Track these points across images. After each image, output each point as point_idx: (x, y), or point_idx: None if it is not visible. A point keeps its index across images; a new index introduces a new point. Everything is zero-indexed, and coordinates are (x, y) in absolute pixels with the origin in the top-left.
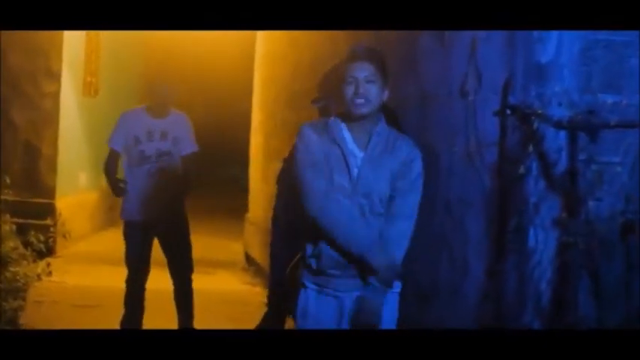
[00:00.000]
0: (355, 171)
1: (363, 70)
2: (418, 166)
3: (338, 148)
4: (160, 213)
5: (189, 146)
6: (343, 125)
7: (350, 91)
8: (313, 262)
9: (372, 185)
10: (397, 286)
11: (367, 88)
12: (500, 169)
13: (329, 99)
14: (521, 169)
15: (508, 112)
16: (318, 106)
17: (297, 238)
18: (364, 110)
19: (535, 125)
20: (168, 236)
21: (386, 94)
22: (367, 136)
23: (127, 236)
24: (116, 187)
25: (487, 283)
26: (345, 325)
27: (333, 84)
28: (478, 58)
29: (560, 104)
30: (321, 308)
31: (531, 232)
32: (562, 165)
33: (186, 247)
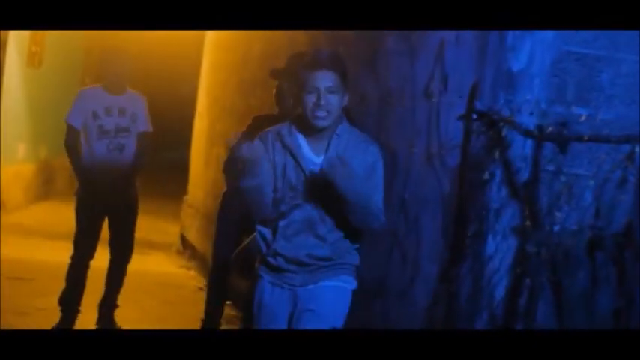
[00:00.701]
0: (310, 175)
1: (326, 80)
2: (381, 167)
3: (291, 157)
4: (114, 190)
5: (145, 125)
6: (299, 135)
7: (310, 101)
8: (271, 260)
9: (332, 185)
10: (351, 281)
11: (329, 99)
12: (461, 173)
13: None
14: (486, 175)
15: (474, 116)
16: (276, 79)
17: (244, 230)
18: (324, 123)
19: (503, 132)
20: (118, 213)
21: (346, 100)
22: (325, 141)
23: (80, 212)
24: (79, 171)
25: (439, 287)
26: (297, 315)
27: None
28: (445, 61)
29: (531, 113)
30: (275, 299)
31: (490, 238)
32: (527, 173)
33: (132, 227)
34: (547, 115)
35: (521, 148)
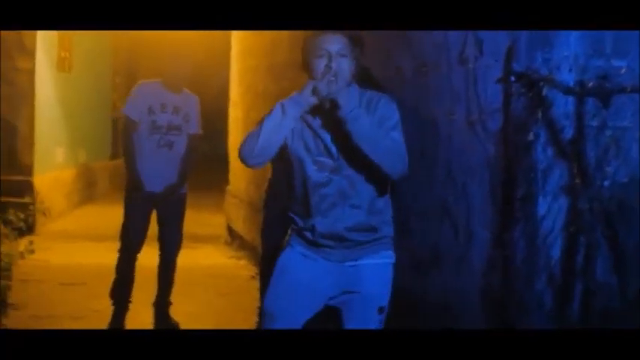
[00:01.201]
0: (333, 148)
1: (336, 43)
2: (396, 111)
3: (309, 128)
4: (165, 186)
5: (196, 127)
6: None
7: (320, 64)
8: (308, 234)
9: (356, 151)
10: (390, 256)
11: (339, 62)
12: (505, 136)
13: None
14: (530, 136)
15: (512, 78)
16: None
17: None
18: (336, 88)
19: (544, 91)
20: (167, 209)
21: (355, 67)
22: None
23: (129, 205)
24: (131, 164)
25: (493, 252)
26: (343, 297)
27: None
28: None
29: (570, 70)
30: (304, 271)
31: (540, 199)
32: (571, 131)
33: (181, 221)
34: (587, 69)
35: (563, 106)
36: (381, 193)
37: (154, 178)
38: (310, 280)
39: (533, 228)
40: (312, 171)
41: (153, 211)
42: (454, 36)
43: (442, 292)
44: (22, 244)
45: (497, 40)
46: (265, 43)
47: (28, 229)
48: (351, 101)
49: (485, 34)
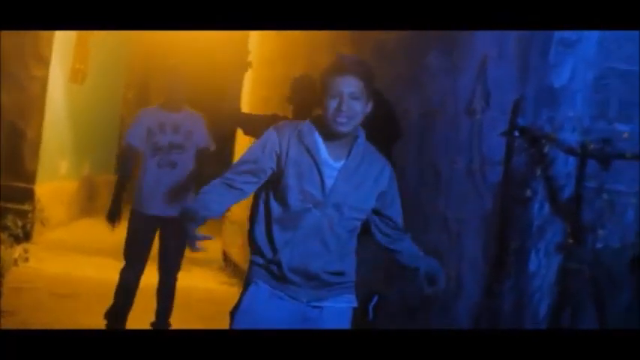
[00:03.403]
0: (330, 182)
1: (350, 86)
2: (395, 180)
3: (309, 158)
4: (167, 207)
5: (205, 141)
6: (317, 135)
7: (332, 105)
8: (274, 268)
9: (346, 196)
10: (352, 300)
11: (351, 105)
12: (503, 190)
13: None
14: (528, 192)
15: (516, 133)
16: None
17: None
18: (344, 129)
19: (546, 149)
20: (169, 231)
21: (369, 108)
22: (346, 147)
23: (132, 225)
24: (120, 188)
25: (482, 303)
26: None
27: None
28: (488, 77)
29: (573, 130)
30: (271, 310)
31: (533, 255)
32: (569, 190)
33: (183, 245)
34: (589, 131)
35: (563, 165)
36: (354, 239)
37: (157, 200)
38: (275, 321)
39: (523, 282)
40: (295, 199)
41: (156, 232)
42: (463, 85)
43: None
44: (17, 251)
45: (505, 93)
46: (277, 75)
47: (25, 236)
48: (357, 154)
49: (494, 87)
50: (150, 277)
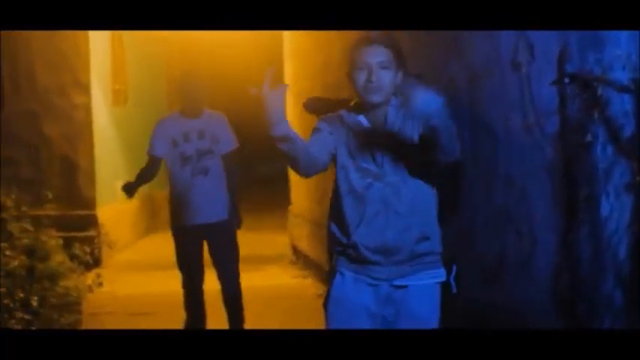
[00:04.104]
0: (379, 154)
1: (378, 55)
2: (444, 103)
3: (354, 136)
4: (207, 214)
5: (229, 144)
6: (358, 114)
7: (362, 77)
8: (351, 252)
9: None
10: (440, 275)
11: (381, 75)
12: (563, 138)
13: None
14: (588, 137)
15: (566, 80)
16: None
17: None
18: (377, 98)
19: (599, 91)
20: (216, 238)
21: (400, 78)
22: (382, 114)
23: (177, 243)
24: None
25: (559, 255)
26: (380, 313)
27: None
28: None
29: (623, 68)
30: (357, 295)
31: (604, 199)
32: (630, 129)
33: (233, 252)
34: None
35: (620, 104)
36: (428, 203)
37: (196, 209)
38: (364, 306)
39: (597, 228)
40: (355, 178)
41: (202, 240)
42: (505, 43)
43: (510, 298)
44: (90, 277)
45: (548, 43)
46: (318, 63)
47: (95, 262)
48: (397, 116)
49: (536, 38)
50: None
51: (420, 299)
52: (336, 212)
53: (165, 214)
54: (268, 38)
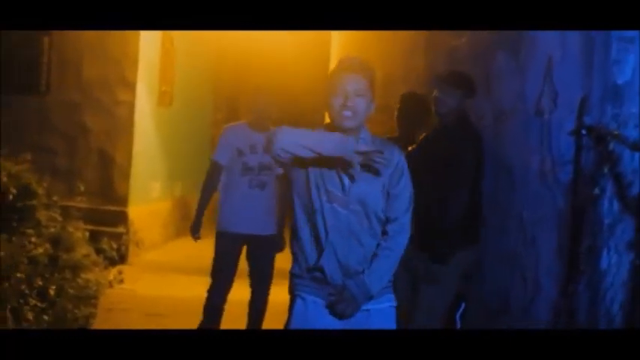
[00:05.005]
0: (347, 179)
1: (355, 83)
2: (407, 172)
3: (323, 159)
4: (255, 226)
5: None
6: None
7: (338, 102)
8: (317, 274)
9: (365, 192)
10: (392, 299)
11: (356, 102)
12: (574, 189)
13: None
14: (596, 190)
15: (584, 132)
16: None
17: None
18: (350, 124)
19: (611, 146)
20: (258, 248)
21: (372, 108)
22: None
23: (218, 246)
24: (203, 207)
25: (559, 303)
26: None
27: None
28: (554, 78)
29: (636, 126)
30: (320, 318)
31: (604, 253)
32: (637, 187)
33: (271, 268)
34: None
35: (629, 162)
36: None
37: (246, 218)
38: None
39: (596, 281)
40: (322, 201)
41: (242, 250)
42: (531, 86)
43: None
44: (112, 273)
45: (572, 91)
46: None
47: (120, 258)
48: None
49: (561, 86)
50: (237, 293)
51: (381, 322)
52: (299, 235)
53: None
54: (315, 39)
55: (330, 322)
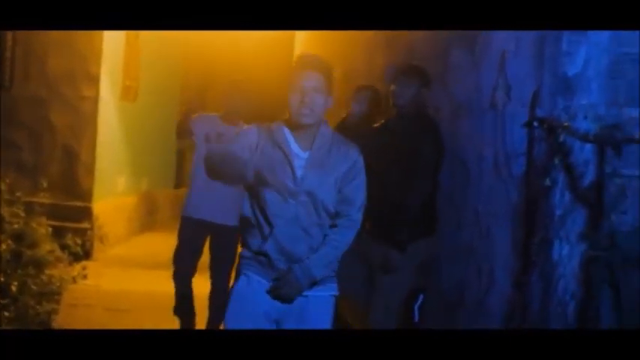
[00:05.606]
0: (299, 172)
1: (312, 80)
2: (362, 168)
3: (280, 151)
4: (218, 214)
5: None
6: (286, 130)
7: (296, 99)
8: (262, 259)
9: (316, 185)
10: (334, 289)
11: (313, 98)
12: (527, 181)
13: None
14: (547, 182)
15: (535, 124)
16: None
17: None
18: (308, 120)
19: (561, 138)
20: (219, 239)
21: (330, 103)
22: (310, 138)
23: (182, 232)
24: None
25: (513, 295)
26: (277, 318)
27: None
28: (507, 71)
29: (585, 117)
30: (260, 297)
31: (556, 244)
32: (588, 178)
33: (235, 251)
34: (602, 118)
35: (580, 153)
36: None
37: (210, 206)
38: (264, 310)
39: (548, 272)
40: (272, 191)
41: (207, 237)
42: (486, 80)
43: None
44: (76, 269)
45: (525, 84)
46: None
47: (85, 254)
48: (323, 144)
49: (514, 79)
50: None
51: (318, 309)
52: (247, 220)
53: (163, 212)
54: (279, 35)
55: (268, 303)
